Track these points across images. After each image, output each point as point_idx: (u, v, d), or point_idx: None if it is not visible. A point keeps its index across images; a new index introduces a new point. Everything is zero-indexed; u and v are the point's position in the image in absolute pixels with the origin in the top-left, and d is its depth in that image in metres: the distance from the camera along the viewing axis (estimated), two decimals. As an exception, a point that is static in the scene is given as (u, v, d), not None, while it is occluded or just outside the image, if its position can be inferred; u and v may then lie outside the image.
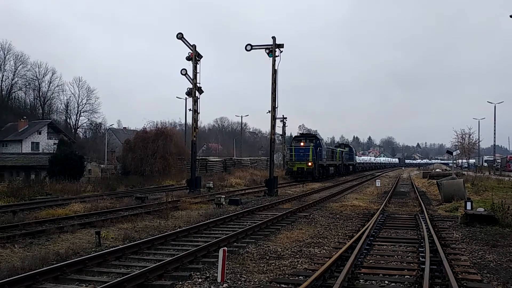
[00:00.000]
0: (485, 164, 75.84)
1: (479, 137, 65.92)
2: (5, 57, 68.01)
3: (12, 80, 69.67)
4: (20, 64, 69.57)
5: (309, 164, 41.44)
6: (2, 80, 69.10)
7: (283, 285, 7.87)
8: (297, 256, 10.28)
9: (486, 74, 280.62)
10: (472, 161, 77.46)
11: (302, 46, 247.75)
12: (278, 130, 57.77)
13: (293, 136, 55.32)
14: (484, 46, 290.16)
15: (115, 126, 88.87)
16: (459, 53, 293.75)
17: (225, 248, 8.71)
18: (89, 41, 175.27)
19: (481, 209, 15.74)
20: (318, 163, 42.50)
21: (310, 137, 47.20)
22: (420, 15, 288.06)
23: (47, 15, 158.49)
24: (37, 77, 71.83)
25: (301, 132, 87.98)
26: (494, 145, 69.65)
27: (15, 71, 69.32)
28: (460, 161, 69.87)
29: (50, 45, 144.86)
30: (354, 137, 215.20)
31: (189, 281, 8.06)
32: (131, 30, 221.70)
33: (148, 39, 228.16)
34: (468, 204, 16.13)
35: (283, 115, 62.60)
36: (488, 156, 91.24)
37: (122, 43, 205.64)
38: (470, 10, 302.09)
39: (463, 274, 8.58)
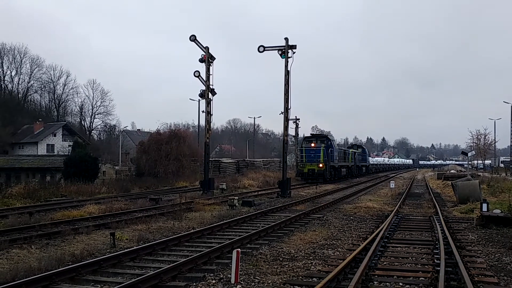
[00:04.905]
0: (502, 165, 74.70)
1: (495, 137, 65.00)
2: (21, 61, 69.09)
3: (28, 83, 70.79)
4: (36, 67, 70.62)
5: (320, 165, 40.77)
6: (18, 83, 70.27)
7: (296, 287, 7.86)
8: (310, 257, 10.25)
9: (504, 72, 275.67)
10: (488, 162, 76.41)
11: (316, 43, 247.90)
12: (291, 131, 57.68)
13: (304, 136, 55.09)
14: (505, 42, 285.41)
15: (129, 128, 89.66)
16: (478, 50, 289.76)
17: (239, 249, 8.73)
18: (92, 40, 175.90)
19: (498, 211, 15.53)
20: (330, 164, 41.83)
21: (321, 137, 46.36)
22: (439, 8, 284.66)
23: (45, 13, 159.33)
24: (52, 80, 72.85)
25: (313, 133, 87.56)
26: (511, 145, 68.60)
27: (31, 74, 70.41)
28: (475, 162, 68.97)
29: (51, 44, 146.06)
30: (367, 138, 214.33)
31: (203, 282, 8.09)
32: (136, 29, 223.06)
33: (155, 39, 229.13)
34: (484, 205, 15.92)
35: (295, 116, 62.44)
36: (504, 157, 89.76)
37: (127, 42, 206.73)
38: (490, 5, 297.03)
39: (479, 276, 8.48)
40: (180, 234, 12.55)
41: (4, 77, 68.82)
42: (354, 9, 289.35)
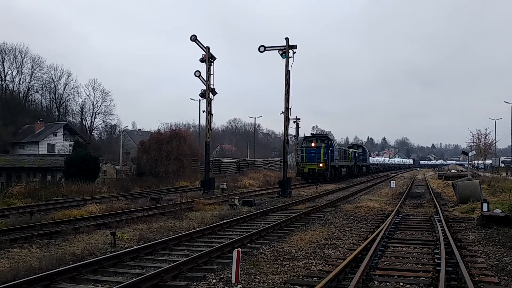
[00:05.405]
0: (502, 165, 74.66)
1: (495, 137, 65.10)
2: (22, 60, 69.09)
3: (29, 82, 70.80)
4: (37, 67, 70.59)
5: (321, 165, 40.61)
6: (19, 83, 70.24)
7: (297, 287, 7.86)
8: (311, 257, 10.25)
9: (504, 72, 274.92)
10: (488, 162, 76.41)
11: (316, 43, 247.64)
12: (292, 131, 57.57)
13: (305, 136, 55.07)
14: (505, 42, 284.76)
15: (130, 127, 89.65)
16: (478, 50, 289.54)
17: (239, 249, 8.74)
18: (92, 39, 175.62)
19: (498, 211, 15.53)
20: (330, 164, 41.70)
21: (321, 137, 46.25)
22: (439, 8, 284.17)
23: (45, 13, 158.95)
24: (53, 79, 72.82)
25: (313, 133, 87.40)
26: None
27: (32, 74, 70.39)
28: (476, 162, 68.97)
29: (51, 44, 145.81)
30: (368, 138, 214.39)
31: (204, 282, 8.10)
32: (136, 29, 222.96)
33: (155, 39, 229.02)
34: (485, 205, 15.91)
35: (296, 116, 62.38)
36: (505, 157, 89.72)
37: (127, 42, 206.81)
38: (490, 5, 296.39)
39: (480, 276, 8.48)
40: (181, 234, 12.55)
41: (5, 76, 68.87)
42: (354, 9, 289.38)
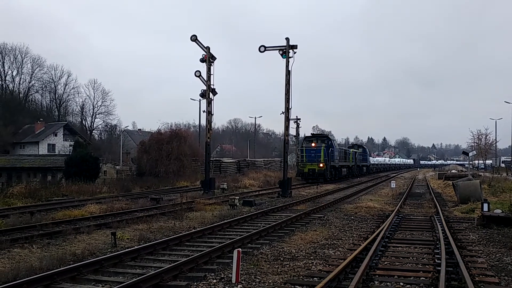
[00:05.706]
0: (503, 165, 74.63)
1: (496, 137, 65.04)
2: (22, 60, 69.10)
3: (29, 83, 70.83)
4: (37, 67, 70.61)
5: (321, 165, 40.60)
6: (19, 83, 70.25)
7: (297, 287, 7.87)
8: (311, 257, 10.26)
9: (504, 72, 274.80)
10: (489, 162, 76.37)
11: (316, 43, 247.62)
12: (292, 131, 57.61)
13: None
14: (505, 42, 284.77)
15: (130, 127, 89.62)
16: (478, 50, 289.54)
17: (240, 249, 8.75)
18: (92, 39, 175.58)
19: (498, 211, 15.53)
20: (330, 164, 41.71)
21: (321, 137, 46.27)
22: (440, 8, 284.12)
23: (45, 13, 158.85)
24: (53, 79, 72.84)
25: (313, 133, 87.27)
26: (512, 145, 68.49)
27: (32, 74, 70.41)
28: (476, 162, 68.91)
29: (51, 44, 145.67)
30: (368, 138, 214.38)
31: (204, 282, 8.10)
32: (136, 29, 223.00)
33: (155, 39, 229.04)
34: (485, 205, 15.91)
35: (296, 116, 62.62)
36: (505, 157, 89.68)
37: (127, 42, 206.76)
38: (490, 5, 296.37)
39: (480, 276, 8.49)
40: (181, 234, 12.56)
41: (5, 77, 68.88)
42: (354, 9, 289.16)
